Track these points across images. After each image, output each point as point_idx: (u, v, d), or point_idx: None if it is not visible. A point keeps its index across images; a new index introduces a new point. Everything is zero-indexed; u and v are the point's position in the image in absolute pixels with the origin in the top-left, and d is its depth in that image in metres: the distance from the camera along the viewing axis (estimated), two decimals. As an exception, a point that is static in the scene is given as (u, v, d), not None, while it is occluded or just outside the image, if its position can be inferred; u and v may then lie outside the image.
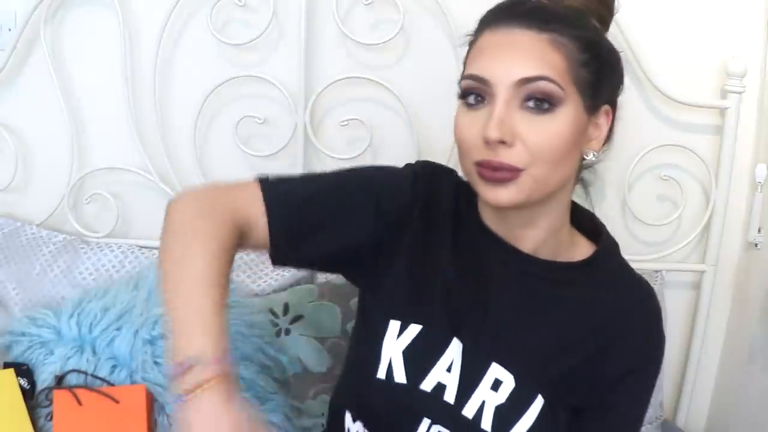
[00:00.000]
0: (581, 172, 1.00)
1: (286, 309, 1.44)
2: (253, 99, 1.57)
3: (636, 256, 1.61)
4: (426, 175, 1.02)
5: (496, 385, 0.95)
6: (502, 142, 0.87)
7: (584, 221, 1.05)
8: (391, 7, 1.49)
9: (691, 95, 1.54)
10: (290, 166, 1.58)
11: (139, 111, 1.57)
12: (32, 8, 1.51)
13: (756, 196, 1.55)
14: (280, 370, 1.41)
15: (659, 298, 1.54)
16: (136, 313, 1.32)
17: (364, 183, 1.01)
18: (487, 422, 0.94)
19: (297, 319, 1.44)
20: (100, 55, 1.56)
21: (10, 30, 1.55)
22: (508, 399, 0.94)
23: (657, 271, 1.61)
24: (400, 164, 1.07)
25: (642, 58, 1.51)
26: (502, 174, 0.88)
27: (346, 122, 1.54)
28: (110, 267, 1.52)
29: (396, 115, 1.56)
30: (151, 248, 1.56)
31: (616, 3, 0.98)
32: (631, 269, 1.04)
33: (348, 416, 1.03)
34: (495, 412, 0.94)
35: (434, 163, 1.06)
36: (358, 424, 1.01)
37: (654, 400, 1.54)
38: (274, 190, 0.98)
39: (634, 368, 0.99)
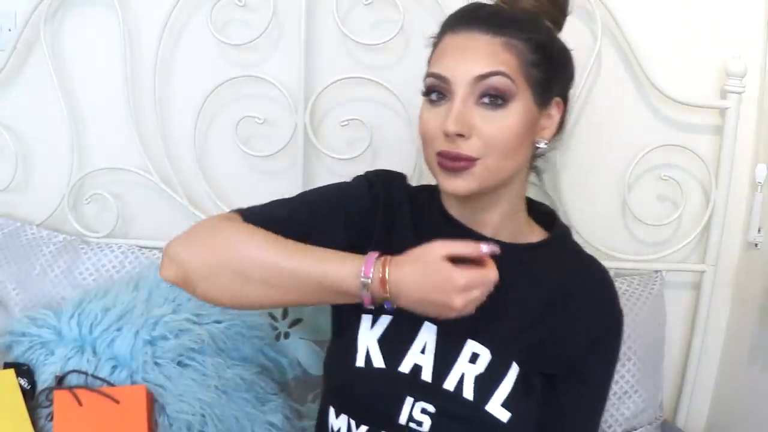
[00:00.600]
0: (535, 161, 1.10)
1: (285, 312, 1.44)
2: (253, 99, 1.57)
3: (636, 256, 1.61)
4: (380, 180, 1.11)
5: (474, 358, 1.02)
6: (460, 135, 0.97)
7: (540, 214, 1.15)
8: (391, 7, 1.49)
9: (691, 95, 1.54)
10: (290, 166, 1.58)
11: (139, 111, 1.57)
12: (32, 8, 1.51)
13: (756, 196, 1.55)
14: (279, 373, 1.41)
15: (659, 298, 1.57)
16: (137, 313, 1.32)
17: (329, 198, 1.09)
18: (468, 391, 1.01)
19: (296, 322, 1.44)
20: (100, 55, 1.56)
21: (10, 30, 1.55)
22: (487, 369, 1.02)
23: (657, 271, 1.61)
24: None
25: (642, 58, 1.51)
26: (459, 163, 0.98)
27: (346, 122, 1.54)
28: (110, 267, 1.52)
29: (396, 115, 1.56)
30: (151, 248, 1.57)
31: (569, 4, 1.09)
32: (583, 250, 1.14)
33: (332, 412, 1.06)
34: (475, 381, 1.01)
35: (384, 169, 1.15)
36: (342, 419, 1.04)
37: (654, 400, 1.55)
38: (253, 218, 1.04)
39: (597, 338, 1.07)
